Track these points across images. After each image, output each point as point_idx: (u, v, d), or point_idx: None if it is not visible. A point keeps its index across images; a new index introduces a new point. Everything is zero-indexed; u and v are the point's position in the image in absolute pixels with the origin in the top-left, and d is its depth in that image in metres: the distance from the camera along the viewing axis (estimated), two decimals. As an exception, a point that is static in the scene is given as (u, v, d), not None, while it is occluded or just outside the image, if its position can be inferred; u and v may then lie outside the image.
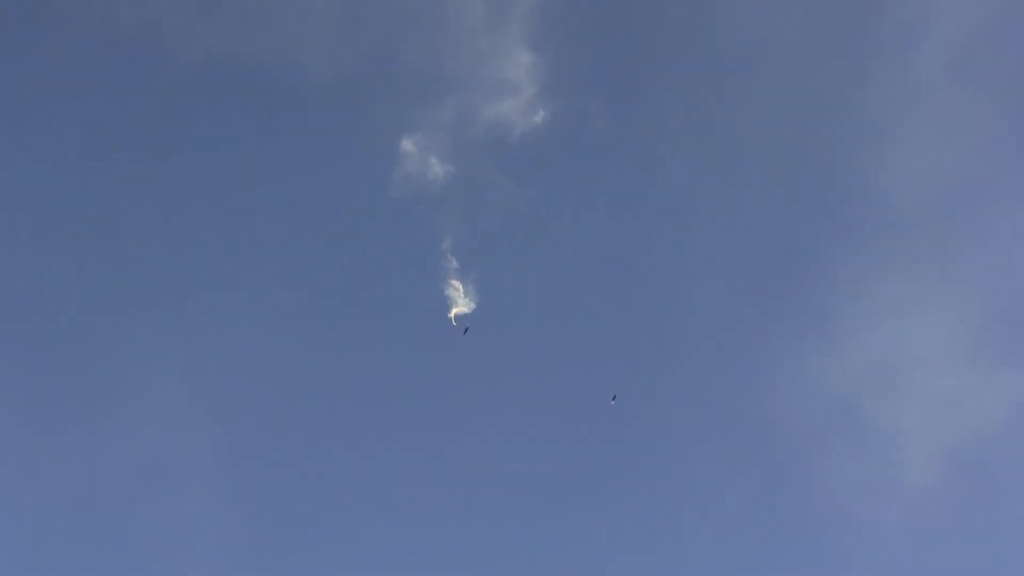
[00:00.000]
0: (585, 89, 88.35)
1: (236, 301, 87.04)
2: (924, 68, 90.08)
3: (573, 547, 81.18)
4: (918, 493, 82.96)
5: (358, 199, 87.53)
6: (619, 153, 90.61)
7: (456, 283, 75.34)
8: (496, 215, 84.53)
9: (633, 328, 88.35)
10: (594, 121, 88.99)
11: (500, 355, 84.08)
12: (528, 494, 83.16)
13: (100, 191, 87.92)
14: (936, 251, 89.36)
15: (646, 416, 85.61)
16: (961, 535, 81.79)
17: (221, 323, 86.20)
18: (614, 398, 77.98)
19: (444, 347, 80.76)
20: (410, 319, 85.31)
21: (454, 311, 74.45)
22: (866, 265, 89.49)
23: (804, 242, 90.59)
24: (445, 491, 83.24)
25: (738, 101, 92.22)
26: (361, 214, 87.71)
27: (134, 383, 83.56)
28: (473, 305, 74.84)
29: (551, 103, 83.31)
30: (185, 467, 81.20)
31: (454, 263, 75.59)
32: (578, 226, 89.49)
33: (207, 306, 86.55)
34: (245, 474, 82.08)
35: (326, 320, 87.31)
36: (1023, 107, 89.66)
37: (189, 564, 77.98)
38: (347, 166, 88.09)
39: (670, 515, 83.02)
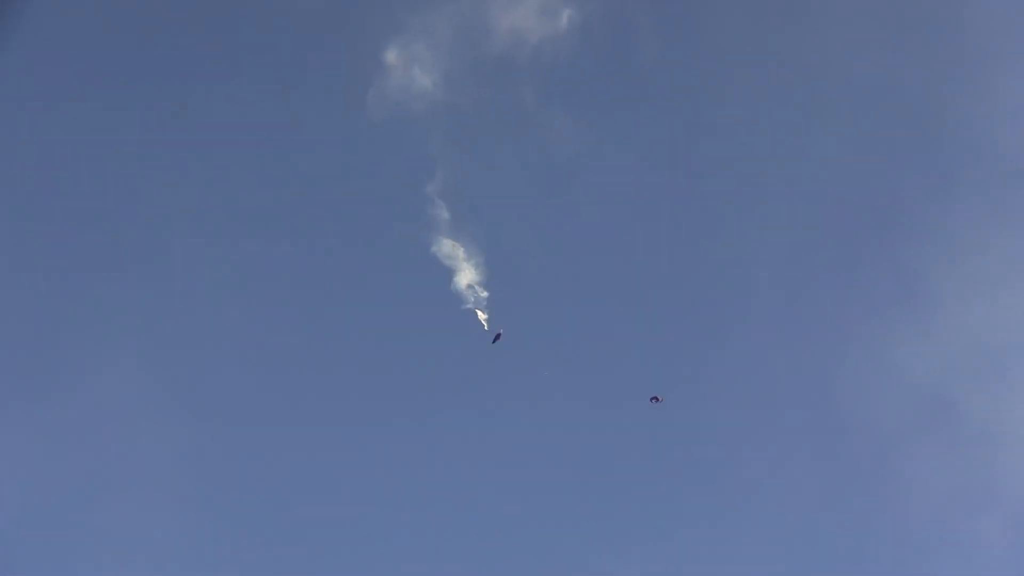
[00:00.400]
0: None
1: (179, 257, 77.99)
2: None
3: (612, 553, 74.49)
4: (1022, 502, 76.04)
5: (331, 122, 77.13)
6: (665, 71, 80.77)
7: (451, 242, 64.45)
8: (507, 150, 75.57)
9: (681, 301, 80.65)
10: (634, 31, 78.94)
11: (511, 329, 70.23)
12: (554, 499, 76.33)
13: (36, 112, 77.00)
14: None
15: (697, 407, 78.07)
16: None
17: (169, 287, 77.39)
18: (656, 399, 70.04)
19: (438, 324, 72.84)
20: (394, 282, 76.60)
21: (463, 282, 64.89)
22: (966, 224, 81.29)
23: (890, 194, 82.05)
24: (448, 493, 76.07)
25: (814, 17, 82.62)
26: (334, 142, 77.62)
27: (77, 359, 75.31)
28: (480, 273, 65.22)
29: (579, 5, 73.73)
30: (143, 461, 73.86)
31: (445, 213, 64.57)
32: (609, 166, 79.20)
33: (153, 262, 77.55)
34: (209, 468, 74.79)
35: (289, 281, 77.58)
36: None
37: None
38: (322, 81, 77.71)
39: (725, 524, 76.22)
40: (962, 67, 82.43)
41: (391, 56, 70.28)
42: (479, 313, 64.93)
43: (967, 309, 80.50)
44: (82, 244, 76.95)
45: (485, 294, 64.94)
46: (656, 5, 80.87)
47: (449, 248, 65.29)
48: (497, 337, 64.95)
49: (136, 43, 77.28)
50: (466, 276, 65.46)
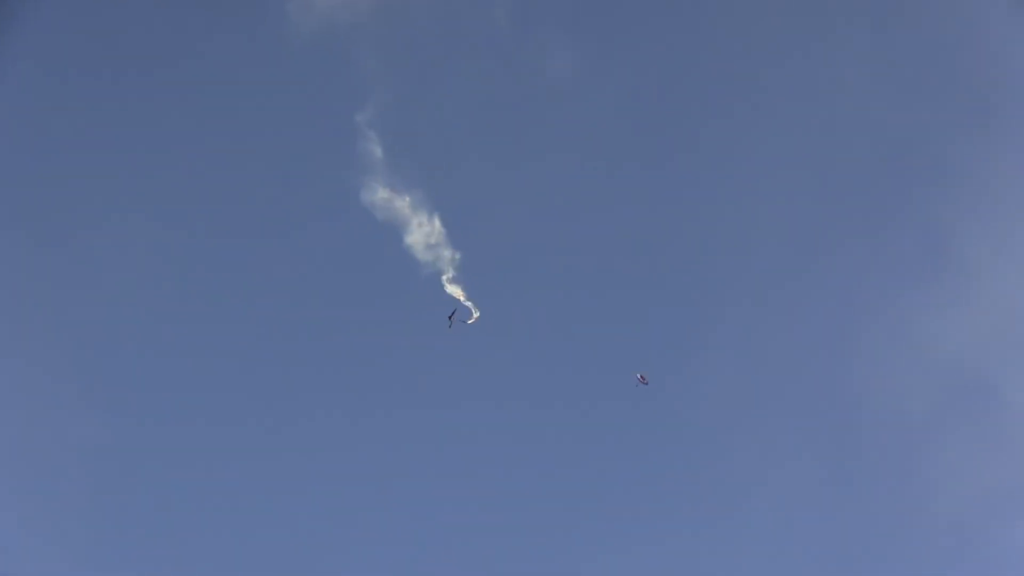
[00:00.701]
0: None
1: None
2: None
3: (613, 554, 71.22)
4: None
5: (246, 35, 72.11)
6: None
7: (386, 190, 55.99)
8: (465, 76, 69.72)
9: (674, 266, 75.69)
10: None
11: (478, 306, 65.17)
12: (531, 501, 72.39)
13: None
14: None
15: (693, 392, 74.10)
16: None
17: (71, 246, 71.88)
18: (643, 379, 66.52)
19: (371, 292, 67.23)
20: (311, 233, 70.67)
21: (419, 242, 57.34)
22: (1008, 174, 76.03)
23: (917, 138, 76.51)
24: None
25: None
26: (248, 58, 72.21)
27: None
28: (438, 228, 57.22)
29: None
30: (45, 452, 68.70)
31: (377, 151, 56.48)
32: (595, 98, 73.39)
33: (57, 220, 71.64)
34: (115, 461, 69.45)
35: (192, 228, 72.62)
36: None
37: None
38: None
39: (726, 525, 72.36)
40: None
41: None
42: (446, 283, 57.96)
43: (1008, 274, 76.60)
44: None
45: (458, 255, 58.39)
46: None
47: (385, 197, 57.55)
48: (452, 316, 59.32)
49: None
50: (423, 235, 58.08)
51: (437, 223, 57.84)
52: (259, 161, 71.98)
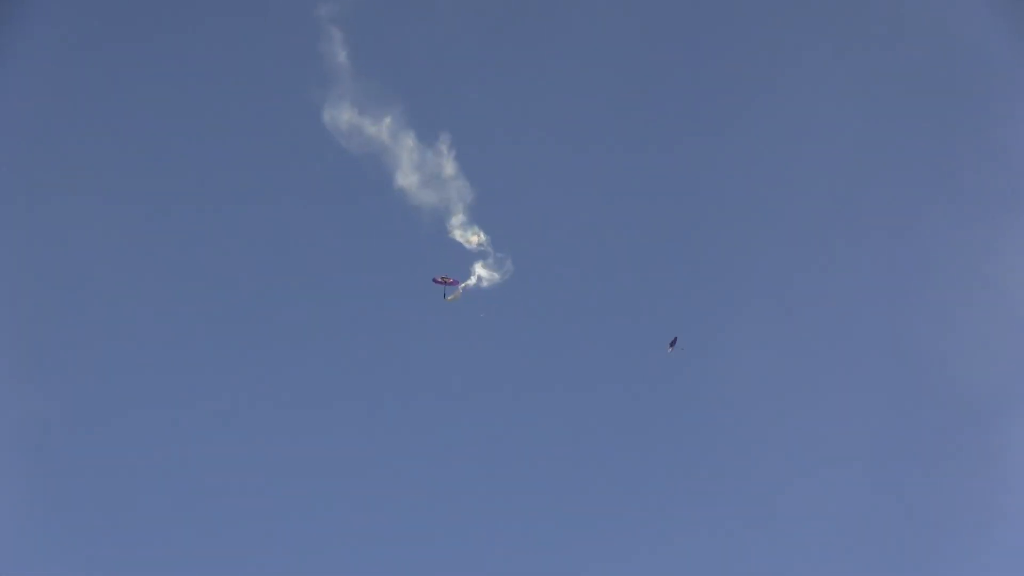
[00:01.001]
0: None
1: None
2: None
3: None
4: None
5: None
6: None
7: (350, 111, 43.41)
8: None
9: (707, 207, 65.46)
10: None
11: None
12: (537, 492, 65.13)
13: None
14: None
15: (732, 362, 65.32)
16: None
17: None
18: (673, 343, 58.46)
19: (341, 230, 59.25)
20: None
21: (410, 183, 47.46)
22: None
23: (990, 64, 66.83)
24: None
25: None
26: None
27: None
28: (444, 152, 46.46)
29: None
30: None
31: (341, 54, 44.62)
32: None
33: None
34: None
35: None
36: None
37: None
38: None
39: (767, 518, 64.51)
40: None
41: None
42: (454, 229, 46.60)
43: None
44: None
45: (469, 195, 47.10)
46: None
47: (351, 121, 44.11)
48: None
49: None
50: (405, 170, 46.21)
51: (444, 148, 45.32)
52: (192, 70, 58.88)
